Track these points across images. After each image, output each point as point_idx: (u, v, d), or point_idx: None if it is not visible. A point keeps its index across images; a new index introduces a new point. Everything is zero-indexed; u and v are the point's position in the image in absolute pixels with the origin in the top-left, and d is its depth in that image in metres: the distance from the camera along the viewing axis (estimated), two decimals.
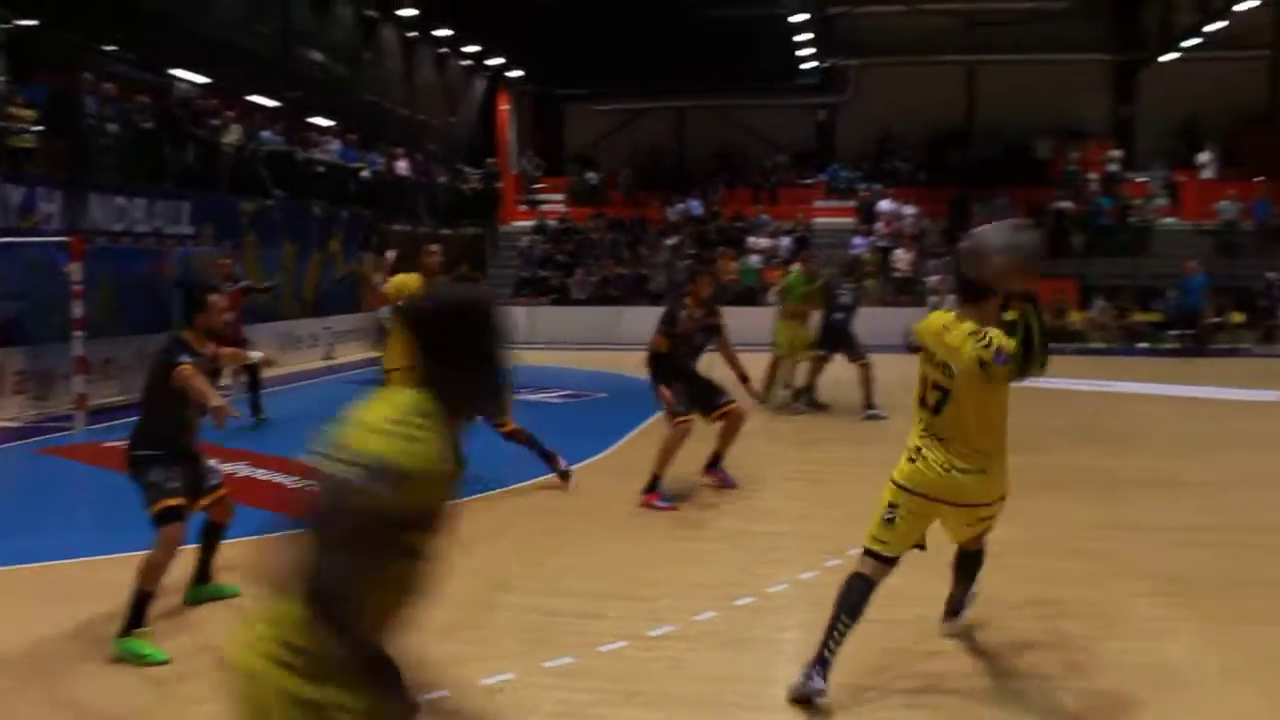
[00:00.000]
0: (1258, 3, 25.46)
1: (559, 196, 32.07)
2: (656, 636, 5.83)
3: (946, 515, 5.25)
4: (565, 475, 9.49)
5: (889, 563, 5.17)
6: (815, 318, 14.11)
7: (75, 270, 13.07)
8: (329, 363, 21.58)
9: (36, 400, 14.14)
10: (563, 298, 27.08)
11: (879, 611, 6.09)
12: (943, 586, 6.57)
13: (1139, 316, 24.07)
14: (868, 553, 5.20)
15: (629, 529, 8.21)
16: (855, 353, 13.73)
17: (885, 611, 6.10)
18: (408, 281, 9.95)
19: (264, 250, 20.28)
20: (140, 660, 5.59)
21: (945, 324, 5.01)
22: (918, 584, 6.64)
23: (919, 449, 5.09)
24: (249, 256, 19.28)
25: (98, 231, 15.73)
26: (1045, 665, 5.44)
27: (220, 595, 6.51)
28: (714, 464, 9.47)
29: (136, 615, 5.70)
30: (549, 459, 9.46)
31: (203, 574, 6.54)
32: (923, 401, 5.14)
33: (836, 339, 13.91)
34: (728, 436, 9.31)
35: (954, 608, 5.90)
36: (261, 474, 10.10)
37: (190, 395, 6.04)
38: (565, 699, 5.07)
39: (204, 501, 6.31)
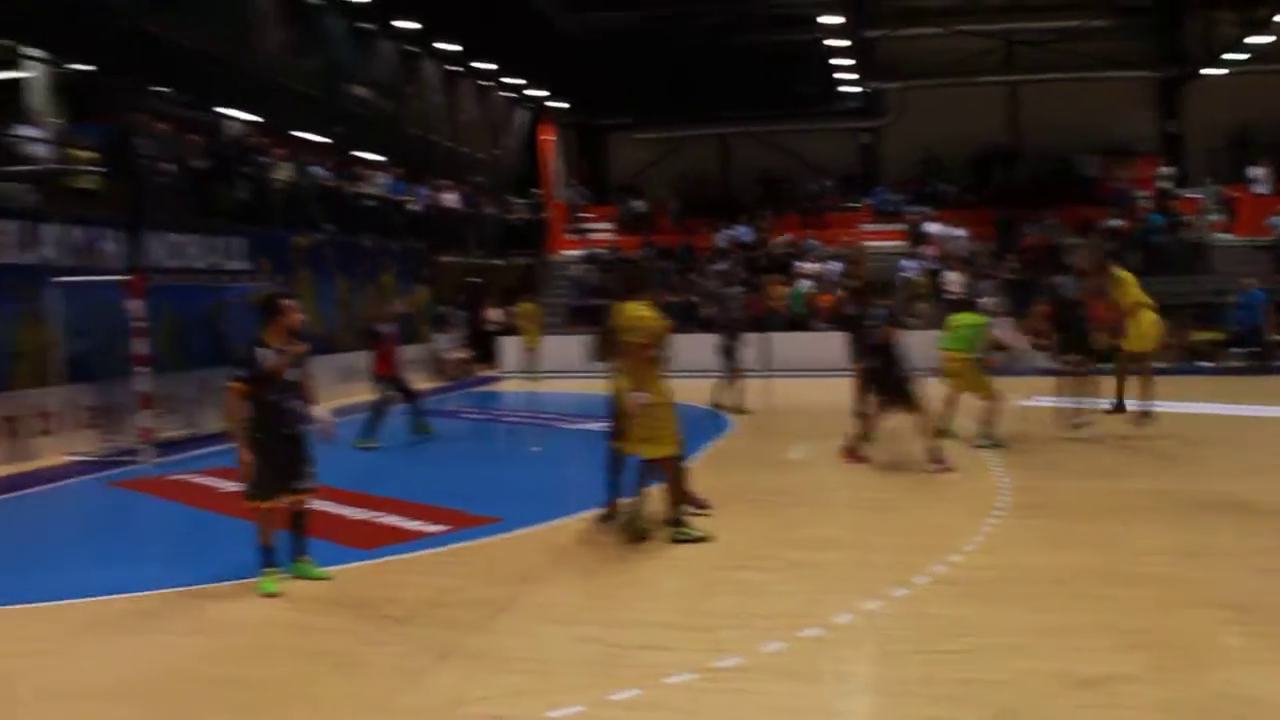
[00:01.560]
0: None
1: (606, 225, 32.22)
2: (723, 669, 5.80)
3: None
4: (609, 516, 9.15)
5: None
6: None
7: (137, 307, 13.31)
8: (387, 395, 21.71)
9: (105, 435, 14.40)
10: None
11: (946, 642, 6.09)
12: (1005, 617, 6.54)
13: (1199, 335, 23.69)
14: None
15: (686, 559, 8.18)
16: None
17: (952, 642, 6.09)
18: None
19: (318, 284, 20.54)
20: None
21: None
22: (979, 613, 6.63)
23: None
24: (304, 291, 19.52)
25: (157, 269, 16.00)
26: (1124, 695, 5.35)
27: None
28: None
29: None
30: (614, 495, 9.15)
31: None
32: None
33: None
34: None
35: None
36: (321, 505, 10.18)
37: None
38: None
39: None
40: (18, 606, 7.40)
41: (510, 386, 23.61)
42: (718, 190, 32.93)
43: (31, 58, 18.82)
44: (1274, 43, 26.13)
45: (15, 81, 18.54)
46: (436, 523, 9.37)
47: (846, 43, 26.65)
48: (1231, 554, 8.09)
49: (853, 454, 11.84)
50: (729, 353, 16.99)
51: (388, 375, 14.73)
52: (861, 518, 9.63)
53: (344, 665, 6.02)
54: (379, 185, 24.38)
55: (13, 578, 8.28)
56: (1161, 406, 13.39)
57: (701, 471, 11.91)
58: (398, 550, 8.59)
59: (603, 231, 32.03)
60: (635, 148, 34.67)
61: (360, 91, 25.89)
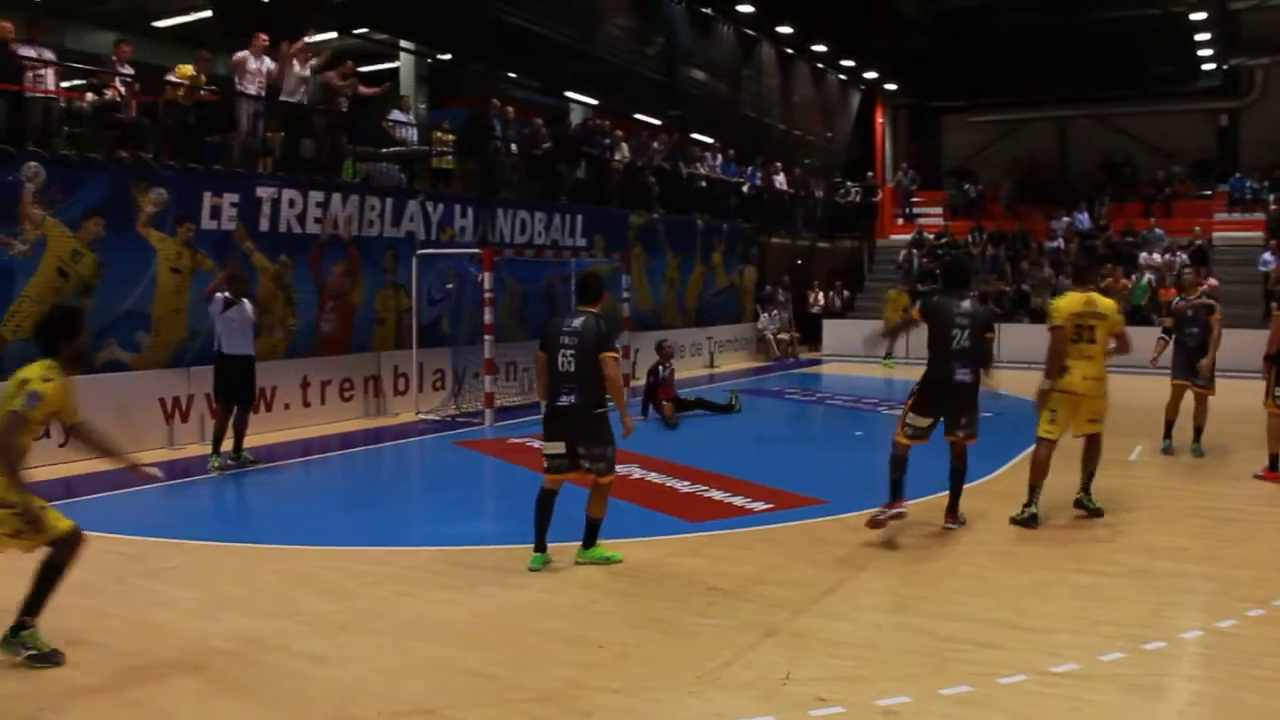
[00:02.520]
0: None
1: (937, 210, 31.49)
2: (1058, 674, 5.61)
3: None
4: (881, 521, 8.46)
5: None
6: None
7: (486, 279, 14.22)
8: (710, 371, 22.22)
9: (453, 397, 15.53)
10: None
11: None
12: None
13: None
14: None
15: (1017, 556, 7.95)
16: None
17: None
18: None
19: (650, 262, 21.23)
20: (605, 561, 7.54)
21: None
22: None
23: None
24: (636, 268, 20.24)
25: (504, 244, 17.02)
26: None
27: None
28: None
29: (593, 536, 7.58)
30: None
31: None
32: None
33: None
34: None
35: None
36: (653, 477, 10.59)
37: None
38: None
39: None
40: (377, 548, 8.16)
41: (833, 370, 23.55)
42: (1054, 175, 31.41)
43: (404, 49, 20.42)
44: None
45: (390, 71, 20.18)
46: (761, 500, 9.52)
47: (1205, 15, 24.70)
48: None
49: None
50: None
51: None
52: (1208, 528, 9.01)
53: (673, 633, 6.23)
54: (712, 166, 24.85)
55: (373, 521, 9.11)
56: None
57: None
58: (724, 525, 8.80)
59: (933, 216, 31.32)
60: (969, 131, 33.63)
61: (698, 75, 26.40)
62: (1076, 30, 29.52)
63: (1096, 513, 9.10)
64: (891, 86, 32.31)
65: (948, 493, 8.86)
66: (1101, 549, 8.12)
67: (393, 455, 12.89)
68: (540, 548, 7.51)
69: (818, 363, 24.96)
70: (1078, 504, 9.20)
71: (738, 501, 9.48)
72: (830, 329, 26.25)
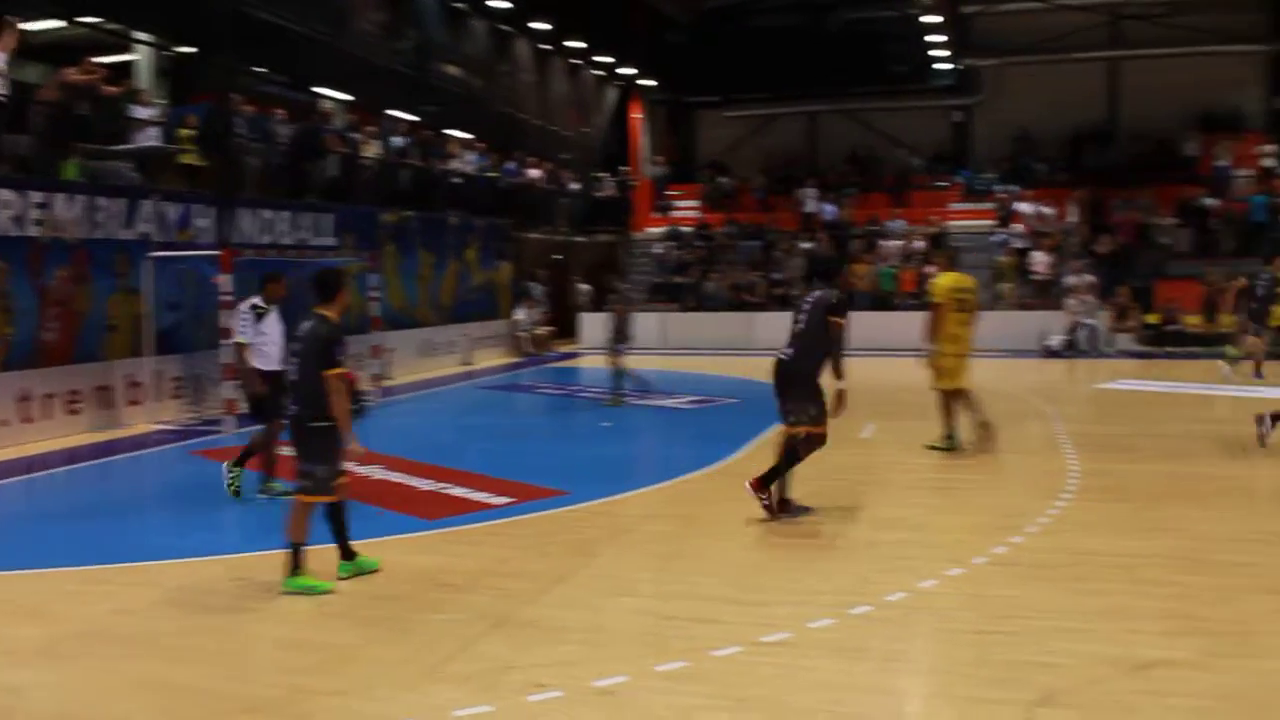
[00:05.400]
0: None
1: (692, 203, 32.20)
2: (770, 643, 5.83)
3: None
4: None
5: None
6: None
7: (225, 282, 13.68)
8: (466, 368, 22.08)
9: (190, 405, 14.85)
10: (696, 303, 27.12)
11: (999, 623, 6.05)
12: (1062, 600, 6.46)
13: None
14: None
15: (750, 535, 8.22)
16: None
17: (1006, 624, 6.05)
18: None
19: (402, 260, 20.90)
20: (310, 591, 6.78)
21: None
22: (1036, 595, 6.56)
23: None
24: (388, 266, 19.89)
25: (247, 245, 16.41)
26: (1176, 682, 5.27)
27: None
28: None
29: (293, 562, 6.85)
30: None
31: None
32: None
33: None
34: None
35: None
36: (395, 477, 10.42)
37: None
38: (676, 703, 5.10)
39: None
40: (95, 566, 7.74)
41: (590, 362, 23.76)
42: (805, 168, 32.66)
43: (139, 40, 19.41)
44: None
45: (125, 64, 19.13)
46: (503, 495, 9.52)
47: (940, 19, 26.18)
48: None
49: None
50: None
51: None
52: (927, 498, 9.57)
53: (400, 631, 6.16)
54: (467, 162, 24.67)
55: (92, 538, 8.65)
56: (1247, 392, 13.03)
57: (768, 448, 11.94)
58: (461, 521, 8.75)
59: (688, 209, 32.02)
60: (724, 125, 34.57)
61: (451, 70, 26.18)
62: (825, 31, 31.05)
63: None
64: (649, 82, 32.84)
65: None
66: (828, 523, 8.48)
67: (123, 468, 12.22)
68: (344, 556, 7.20)
69: (575, 356, 25.16)
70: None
71: (478, 497, 9.43)
72: (588, 322, 26.51)
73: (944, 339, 11.06)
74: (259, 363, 9.58)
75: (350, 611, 6.56)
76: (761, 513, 8.49)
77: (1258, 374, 14.82)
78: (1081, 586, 6.73)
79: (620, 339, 16.15)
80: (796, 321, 8.64)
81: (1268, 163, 27.54)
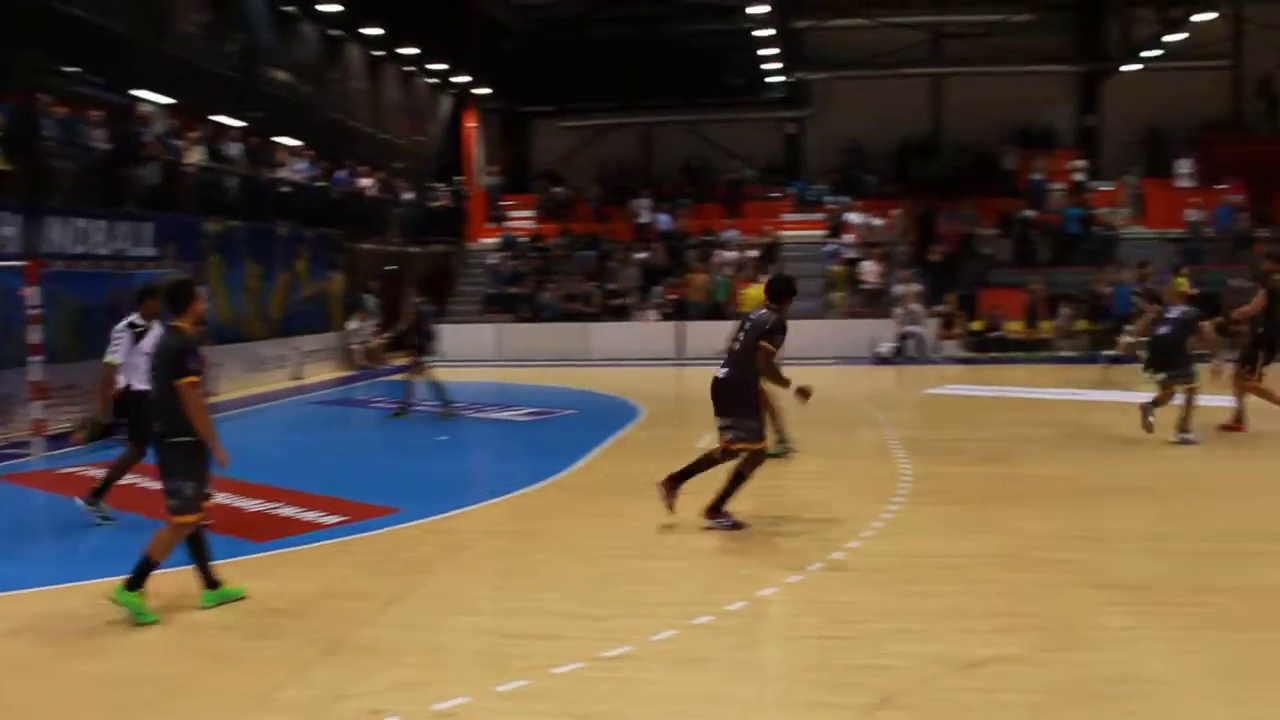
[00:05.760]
0: (1215, 15, 25.81)
1: (527, 213, 31.99)
2: (612, 657, 5.76)
3: None
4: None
5: None
6: None
7: (32, 294, 12.92)
8: (297, 383, 21.43)
9: None
10: (531, 314, 26.94)
11: (837, 628, 6.12)
12: (897, 602, 6.57)
13: (1082, 325, 24.14)
14: None
15: (591, 549, 8.12)
16: None
17: (844, 628, 6.12)
18: None
19: (228, 271, 20.15)
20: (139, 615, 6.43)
21: None
22: (872, 599, 6.66)
23: None
24: (214, 278, 19.14)
25: (57, 255, 15.54)
26: (1008, 678, 5.40)
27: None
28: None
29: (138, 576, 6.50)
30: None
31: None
32: None
33: None
34: None
35: None
36: (221, 497, 9.96)
37: None
38: None
39: None
40: None
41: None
42: (640, 178, 32.87)
43: None
44: (1188, 41, 26.65)
45: None
46: (334, 514, 9.20)
47: (772, 32, 26.68)
48: (1120, 536, 8.27)
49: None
50: None
51: None
52: (765, 505, 9.62)
53: (228, 660, 5.89)
54: (296, 170, 23.96)
55: None
56: (1068, 395, 13.59)
57: (608, 460, 11.94)
58: (292, 542, 8.43)
59: (523, 219, 31.79)
60: (560, 135, 34.49)
61: (280, 75, 25.43)
62: (661, 43, 31.28)
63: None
64: (483, 91, 32.54)
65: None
66: (668, 534, 8.45)
67: None
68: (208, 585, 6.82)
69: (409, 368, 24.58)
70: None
71: (309, 517, 9.10)
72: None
73: None
74: (137, 383, 8.76)
75: (178, 642, 6.25)
76: (599, 524, 8.43)
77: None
78: (915, 588, 6.86)
79: (425, 350, 16.04)
80: (735, 339, 8.65)
81: (1078, 177, 29.02)
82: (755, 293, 11.44)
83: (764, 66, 29.76)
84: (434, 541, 8.36)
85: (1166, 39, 26.69)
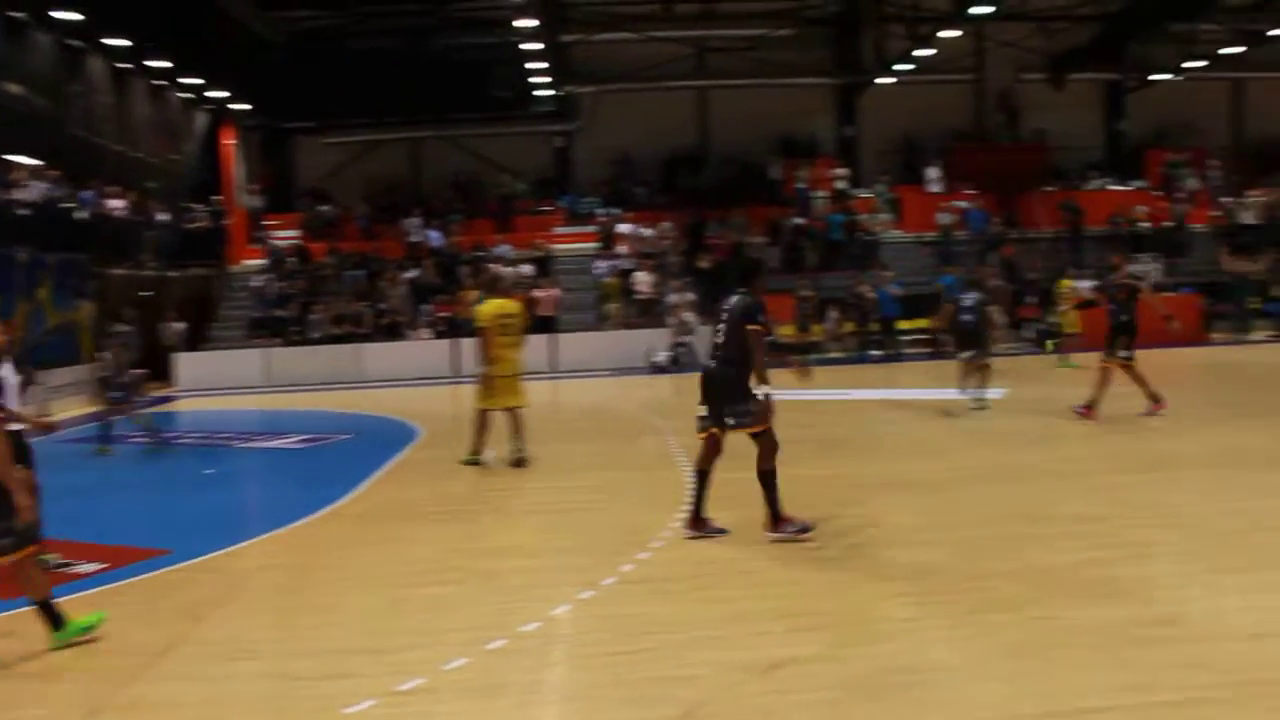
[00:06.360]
0: (960, 33, 27.37)
1: (292, 232, 30.80)
2: (405, 691, 5.50)
3: None
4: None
5: None
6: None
7: None
8: (48, 420, 19.90)
9: None
10: (300, 337, 25.98)
11: (636, 642, 6.04)
12: (692, 611, 6.56)
13: (850, 327, 25.17)
14: None
15: (376, 579, 7.77)
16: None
17: (642, 641, 6.04)
18: None
19: None
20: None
21: None
22: (667, 610, 6.62)
23: None
24: None
25: None
26: (806, 678, 5.43)
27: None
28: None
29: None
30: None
31: None
32: None
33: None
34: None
35: None
36: None
37: None
38: None
39: None
40: None
41: (189, 405, 22.15)
42: (409, 194, 32.26)
43: None
44: (937, 56, 28.13)
45: None
46: (94, 560, 8.51)
47: (540, 46, 26.64)
48: (900, 529, 8.52)
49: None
50: None
51: None
52: (551, 521, 9.53)
53: None
54: (35, 191, 22.33)
55: None
56: (838, 395, 13.98)
57: (388, 484, 11.56)
58: None
59: (288, 239, 30.58)
60: (323, 152, 33.39)
61: (12, 88, 23.68)
62: (426, 56, 30.64)
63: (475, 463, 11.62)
64: (242, 106, 31.21)
65: None
66: (453, 558, 8.21)
67: None
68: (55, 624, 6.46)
69: (170, 399, 23.35)
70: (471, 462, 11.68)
71: (60, 567, 8.38)
72: (186, 362, 24.73)
73: (492, 361, 11.62)
74: None
75: None
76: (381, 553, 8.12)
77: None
78: (708, 595, 6.87)
79: (118, 387, 15.25)
80: (716, 333, 8.52)
81: (840, 185, 30.20)
82: (489, 308, 11.83)
83: (532, 80, 29.70)
84: (207, 582, 7.84)
85: (917, 54, 28.10)
